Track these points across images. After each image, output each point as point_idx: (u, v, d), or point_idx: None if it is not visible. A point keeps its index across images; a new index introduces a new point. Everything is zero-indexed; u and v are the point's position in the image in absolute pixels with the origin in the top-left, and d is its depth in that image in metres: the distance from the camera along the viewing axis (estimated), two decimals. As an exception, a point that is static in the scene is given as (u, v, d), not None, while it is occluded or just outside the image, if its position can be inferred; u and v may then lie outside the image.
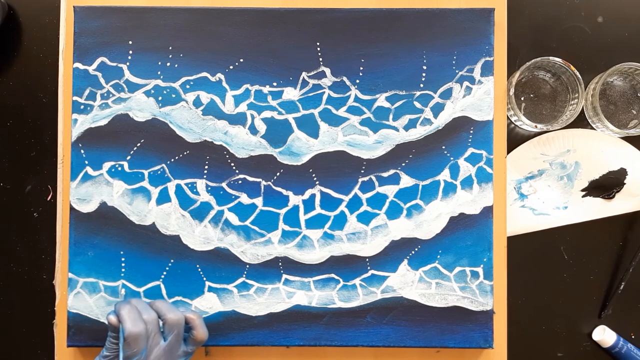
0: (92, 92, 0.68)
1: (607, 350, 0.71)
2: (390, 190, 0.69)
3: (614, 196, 0.71)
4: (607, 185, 0.71)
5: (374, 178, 0.69)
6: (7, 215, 0.72)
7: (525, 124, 0.69)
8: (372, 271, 0.68)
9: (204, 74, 0.69)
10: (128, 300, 0.62)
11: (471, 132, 0.68)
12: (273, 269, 0.68)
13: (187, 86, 0.69)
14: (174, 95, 0.69)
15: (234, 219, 0.68)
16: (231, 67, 0.69)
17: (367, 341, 0.68)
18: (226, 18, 0.69)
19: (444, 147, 0.69)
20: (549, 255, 0.72)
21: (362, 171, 0.69)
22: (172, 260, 0.68)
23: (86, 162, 0.68)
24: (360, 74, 0.69)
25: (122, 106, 0.68)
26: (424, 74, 0.69)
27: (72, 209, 0.68)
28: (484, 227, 0.68)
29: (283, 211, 0.69)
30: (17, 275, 0.72)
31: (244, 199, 0.68)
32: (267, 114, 0.69)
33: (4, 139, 0.72)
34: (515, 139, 0.71)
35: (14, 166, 0.72)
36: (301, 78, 0.69)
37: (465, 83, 0.68)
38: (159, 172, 0.68)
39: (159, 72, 0.69)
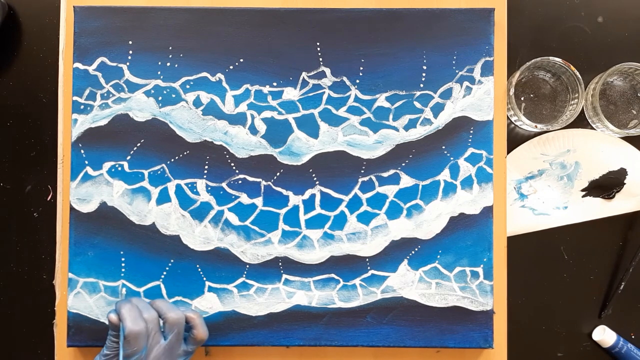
0: (92, 92, 0.68)
1: (607, 350, 0.71)
2: (390, 190, 0.69)
3: (614, 196, 0.71)
4: (607, 185, 0.71)
5: (374, 178, 0.69)
6: (7, 215, 0.72)
7: (525, 124, 0.69)
8: (372, 271, 0.68)
9: (204, 74, 0.69)
10: (129, 299, 0.62)
11: (471, 132, 0.68)
12: (273, 269, 0.68)
13: (187, 86, 0.69)
14: (174, 95, 0.69)
15: (234, 219, 0.68)
16: (231, 67, 0.69)
17: (367, 341, 0.68)
18: (226, 18, 0.69)
19: (444, 147, 0.68)
20: (549, 255, 0.72)
21: (362, 171, 0.69)
22: (172, 260, 0.68)
23: (86, 162, 0.68)
24: (360, 74, 0.69)
25: (122, 106, 0.68)
26: (424, 74, 0.69)
27: (72, 209, 0.68)
28: (484, 227, 0.68)
29: (283, 211, 0.68)
30: (17, 275, 0.72)
31: (244, 199, 0.68)
32: (267, 114, 0.69)
33: (4, 139, 0.72)
34: (515, 139, 0.71)
35: (14, 166, 0.72)
36: (301, 78, 0.69)
37: (465, 83, 0.68)
38: (159, 172, 0.68)
39: (159, 72, 0.69)
